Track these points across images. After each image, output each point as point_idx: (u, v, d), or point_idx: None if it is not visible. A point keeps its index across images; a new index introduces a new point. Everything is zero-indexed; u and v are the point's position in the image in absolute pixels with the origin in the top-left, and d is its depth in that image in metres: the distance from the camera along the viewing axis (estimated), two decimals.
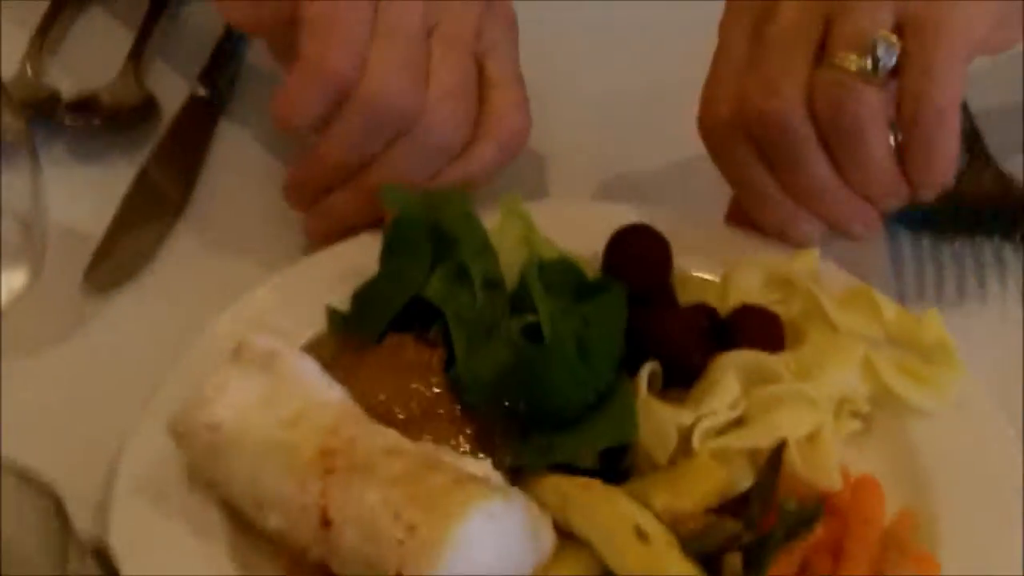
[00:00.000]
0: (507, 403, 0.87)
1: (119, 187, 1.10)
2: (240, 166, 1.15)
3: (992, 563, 0.85)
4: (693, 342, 0.90)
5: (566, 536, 0.82)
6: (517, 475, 0.84)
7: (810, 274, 0.97)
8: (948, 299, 1.05)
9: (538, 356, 0.86)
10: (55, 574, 0.76)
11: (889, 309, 0.95)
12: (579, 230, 0.97)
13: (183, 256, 1.08)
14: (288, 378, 0.83)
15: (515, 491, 0.80)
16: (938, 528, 0.86)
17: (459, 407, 0.88)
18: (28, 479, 0.76)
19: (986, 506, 0.87)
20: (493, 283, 0.93)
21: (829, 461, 0.87)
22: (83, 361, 1.00)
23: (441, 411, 0.87)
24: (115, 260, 1.06)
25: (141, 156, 1.13)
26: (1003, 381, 0.97)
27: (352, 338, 0.93)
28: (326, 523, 0.78)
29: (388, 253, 0.94)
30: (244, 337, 0.84)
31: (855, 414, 0.91)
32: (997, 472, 0.88)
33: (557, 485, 0.82)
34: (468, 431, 0.86)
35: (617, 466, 0.86)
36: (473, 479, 0.78)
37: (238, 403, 0.81)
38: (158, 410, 0.86)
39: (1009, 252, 1.08)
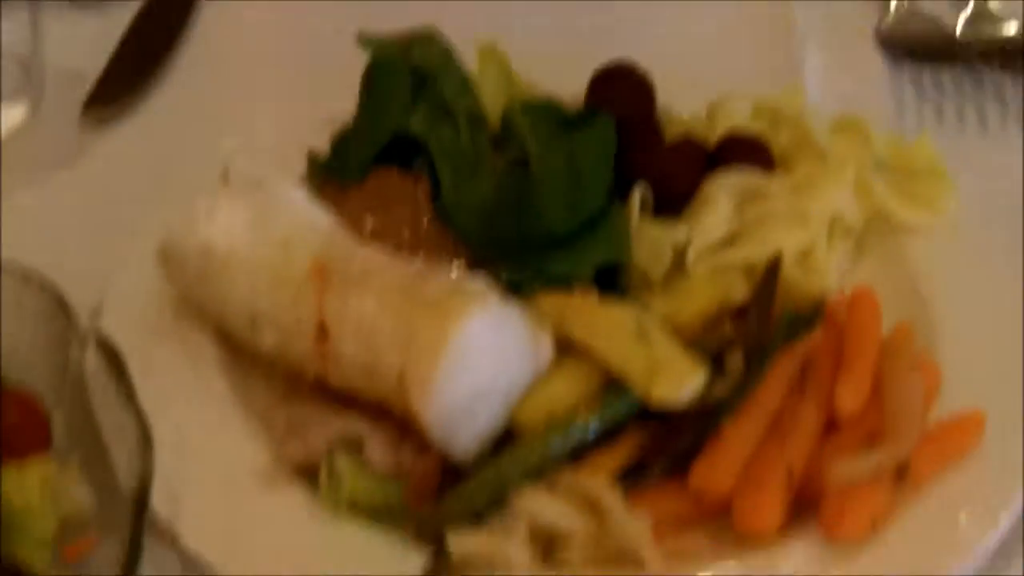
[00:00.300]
0: (497, 230, 0.84)
1: (117, 31, 1.13)
2: (236, 8, 1.16)
3: (992, 369, 0.84)
4: (682, 167, 0.90)
5: (564, 352, 0.80)
6: (513, 294, 0.81)
7: (798, 105, 0.96)
8: (948, 127, 1.04)
9: (528, 183, 0.85)
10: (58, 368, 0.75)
11: (879, 135, 0.94)
12: (558, 73, 0.96)
13: (177, 94, 1.11)
14: (277, 201, 0.81)
15: (513, 300, 0.78)
16: (936, 338, 0.84)
17: (449, 236, 0.85)
18: (30, 278, 0.75)
19: (983, 316, 0.86)
20: (476, 119, 0.92)
21: (824, 274, 0.86)
22: (81, 188, 1.02)
23: (431, 240, 0.85)
24: (112, 96, 1.09)
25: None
26: (1002, 206, 0.95)
27: (333, 181, 0.91)
28: (323, 335, 0.77)
29: (366, 95, 0.93)
30: (232, 162, 0.82)
31: (849, 232, 0.89)
32: (992, 284, 0.87)
33: (555, 299, 0.81)
34: (461, 258, 0.84)
35: (613, 288, 0.84)
36: (470, 288, 0.76)
37: (228, 226, 0.81)
38: (147, 243, 0.84)
39: (1008, 82, 1.07)
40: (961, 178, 0.94)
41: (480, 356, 0.75)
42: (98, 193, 1.00)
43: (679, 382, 0.76)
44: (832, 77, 1.09)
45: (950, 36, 1.13)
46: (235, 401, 0.82)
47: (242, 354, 0.82)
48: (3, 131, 1.04)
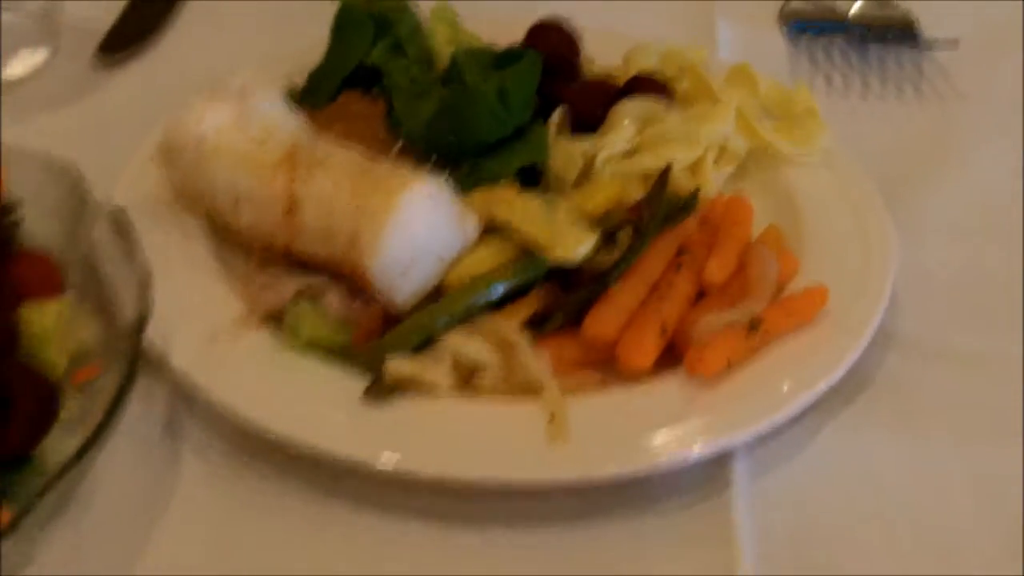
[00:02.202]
0: (439, 140, 1.03)
1: None
2: None
3: (843, 268, 1.02)
4: (595, 96, 1.09)
5: (488, 233, 0.99)
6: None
7: (702, 57, 1.16)
8: (835, 92, 1.29)
9: (463, 98, 1.04)
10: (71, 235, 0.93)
11: (764, 82, 1.14)
12: (501, 29, 1.15)
13: (186, 38, 1.32)
14: (256, 106, 1.00)
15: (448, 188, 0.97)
16: (802, 243, 1.03)
17: (399, 147, 1.05)
18: (52, 164, 0.94)
19: (843, 228, 1.05)
20: (425, 56, 1.11)
21: (707, 182, 1.05)
22: (93, 118, 1.21)
23: (385, 147, 1.04)
24: (123, 42, 1.29)
25: None
26: (870, 149, 1.17)
27: (307, 106, 1.10)
28: (292, 209, 0.96)
29: (336, 35, 1.12)
30: (219, 78, 1.01)
31: (733, 158, 1.09)
32: (855, 205, 1.06)
33: (484, 191, 1.00)
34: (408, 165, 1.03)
35: (534, 187, 1.03)
36: (412, 171, 0.96)
37: (216, 125, 0.99)
38: (146, 151, 1.04)
39: (891, 57, 1.30)
40: (836, 127, 1.13)
41: (418, 222, 0.93)
42: (109, 123, 1.18)
43: (575, 245, 0.95)
44: (738, 46, 1.29)
45: (843, 15, 1.33)
46: (219, 268, 0.99)
47: (226, 233, 1.00)
48: (24, 71, 1.24)
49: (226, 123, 0.98)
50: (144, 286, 0.89)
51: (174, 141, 0.99)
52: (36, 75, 1.26)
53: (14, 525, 0.78)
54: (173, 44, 1.31)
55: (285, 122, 1.00)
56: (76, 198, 0.97)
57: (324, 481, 0.90)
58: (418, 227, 0.93)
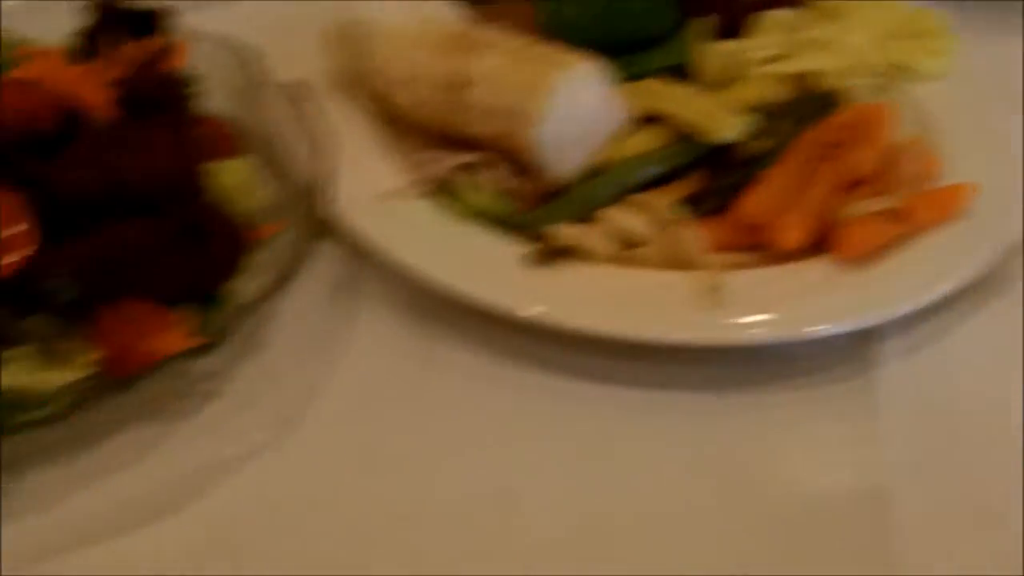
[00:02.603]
0: (588, 38, 1.08)
1: None
2: None
3: (990, 178, 1.04)
4: (739, 5, 1.14)
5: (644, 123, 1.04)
6: None
7: None
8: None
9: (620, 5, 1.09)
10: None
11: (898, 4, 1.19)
12: None
13: None
14: None
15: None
16: (944, 151, 1.07)
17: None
18: (227, 41, 1.00)
19: (984, 138, 1.08)
20: None
21: (849, 89, 1.09)
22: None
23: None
24: None
25: None
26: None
27: None
28: (461, 86, 1.01)
29: None
30: None
31: (872, 70, 1.13)
32: (996, 118, 1.10)
33: (638, 84, 1.05)
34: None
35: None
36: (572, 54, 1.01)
37: (385, 8, 1.04)
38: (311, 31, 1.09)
39: None
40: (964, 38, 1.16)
41: (578, 98, 0.98)
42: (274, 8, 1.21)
43: (730, 126, 0.99)
44: None
45: None
46: (382, 144, 1.04)
47: (388, 112, 1.05)
48: None
49: (397, 7, 1.02)
50: (322, 149, 0.93)
51: (347, 24, 1.04)
52: None
53: (206, 350, 0.84)
54: None
55: (451, 9, 1.04)
56: (251, 76, 1.01)
57: (491, 339, 0.94)
58: (578, 103, 0.98)
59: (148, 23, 0.98)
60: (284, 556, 0.81)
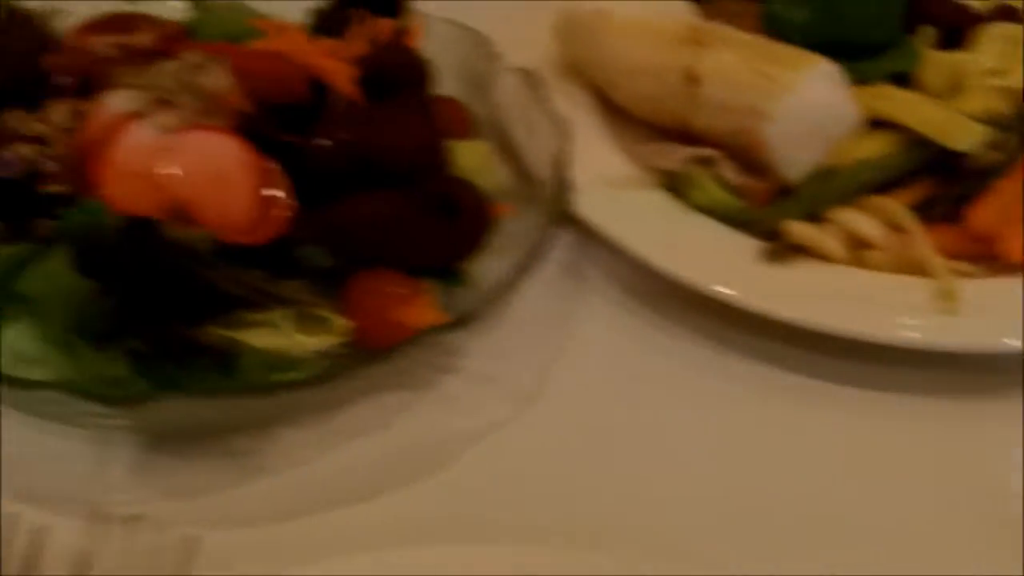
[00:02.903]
0: (815, 40, 1.08)
1: None
2: None
3: None
4: (961, 17, 1.14)
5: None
6: None
7: None
8: None
9: (843, 9, 1.09)
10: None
11: None
12: None
13: None
14: None
15: None
16: None
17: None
18: (463, 27, 1.02)
19: None
20: None
21: None
22: None
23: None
24: None
25: None
26: None
27: None
28: (693, 81, 1.01)
29: None
30: None
31: None
32: None
33: (865, 89, 1.05)
34: None
35: None
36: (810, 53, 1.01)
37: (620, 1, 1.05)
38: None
39: None
40: None
41: (815, 98, 0.99)
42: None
43: (966, 134, 0.99)
44: None
45: None
46: (607, 135, 1.05)
47: (613, 104, 1.06)
48: None
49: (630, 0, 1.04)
50: (563, 135, 0.94)
51: (575, 13, 1.05)
52: None
53: (457, 327, 0.85)
54: None
55: (681, 5, 1.05)
56: (482, 61, 1.03)
57: (713, 328, 0.95)
58: (815, 103, 0.98)
59: (390, 4, 0.99)
60: (521, 527, 0.83)
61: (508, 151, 0.99)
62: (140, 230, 0.79)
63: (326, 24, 1.02)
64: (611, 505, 0.84)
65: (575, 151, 0.97)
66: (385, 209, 0.87)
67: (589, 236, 0.97)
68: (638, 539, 0.82)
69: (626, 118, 1.06)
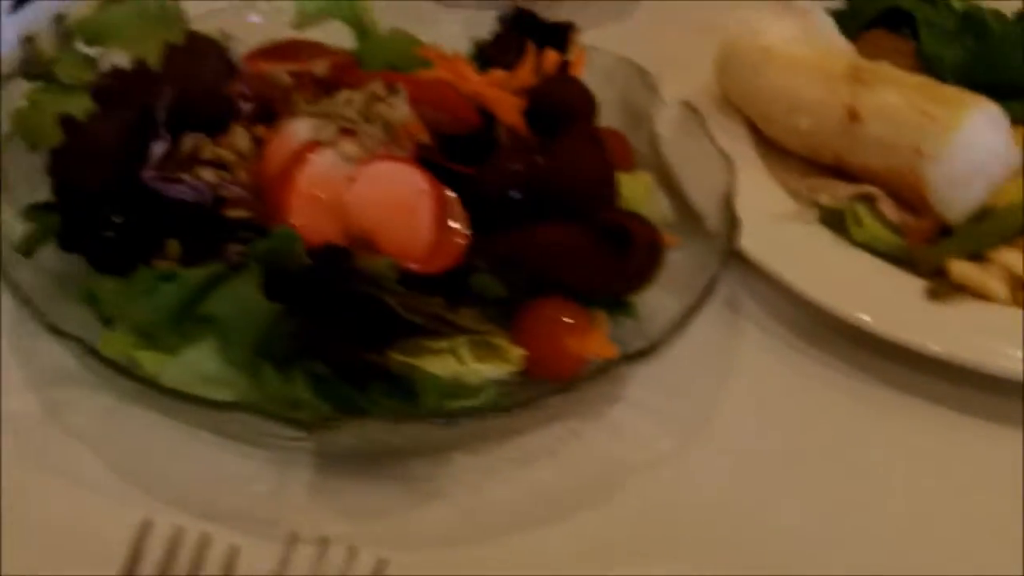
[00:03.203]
0: (969, 80, 1.09)
1: None
2: None
3: None
4: None
5: None
6: None
7: None
8: None
9: (997, 43, 1.10)
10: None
11: None
12: None
13: None
14: (818, 23, 1.08)
15: None
16: None
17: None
18: (622, 59, 1.03)
19: None
20: (948, 4, 1.18)
21: None
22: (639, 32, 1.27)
23: None
24: None
25: None
26: None
27: None
28: (853, 118, 1.03)
29: None
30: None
31: None
32: None
33: (1019, 130, 1.06)
34: None
35: None
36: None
37: (781, 36, 1.07)
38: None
39: None
40: None
41: (980, 139, 1.00)
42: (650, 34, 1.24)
43: None
44: None
45: None
46: (765, 168, 1.07)
47: (770, 138, 1.08)
48: None
49: (791, 35, 1.05)
50: (729, 170, 0.96)
51: (737, 48, 1.06)
52: None
53: (634, 360, 0.87)
54: None
55: (841, 41, 1.07)
56: (642, 93, 1.04)
57: (875, 363, 0.96)
58: (980, 144, 0.99)
59: (558, 36, 1.01)
60: (683, 556, 0.85)
61: (666, 183, 1.00)
62: (332, 257, 0.81)
63: (491, 54, 1.03)
64: (775, 534, 0.86)
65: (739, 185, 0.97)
66: (561, 240, 0.89)
67: (749, 269, 0.97)
68: (803, 568, 0.83)
69: (780, 152, 1.06)
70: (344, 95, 0.92)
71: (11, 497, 0.83)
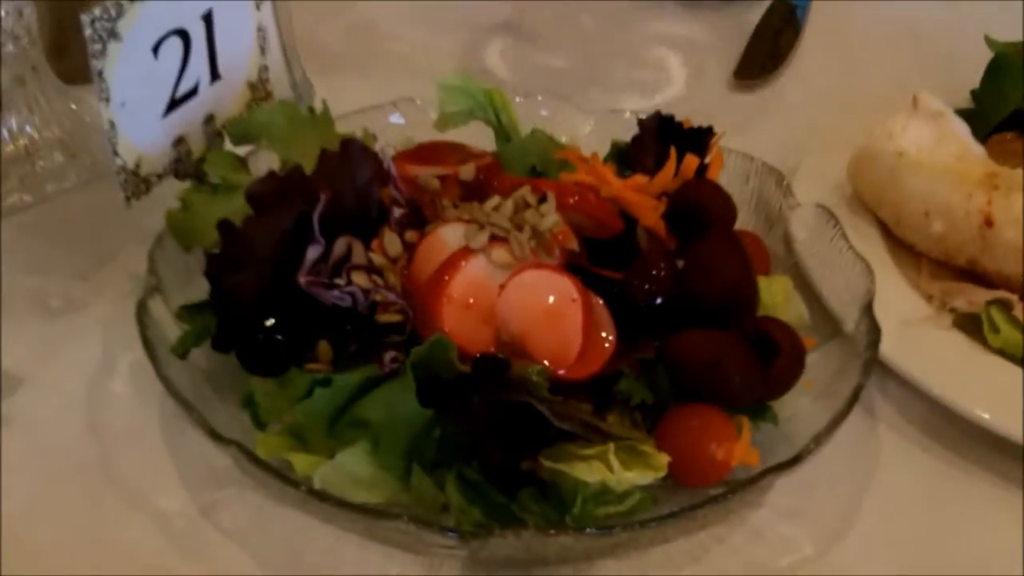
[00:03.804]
0: None
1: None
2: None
3: None
4: None
5: None
6: None
7: None
8: None
9: None
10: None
11: None
12: None
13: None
14: (951, 130, 1.09)
15: None
16: None
17: None
18: (753, 159, 1.07)
19: None
20: None
21: None
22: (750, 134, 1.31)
23: None
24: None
25: None
26: None
27: None
28: (988, 224, 1.04)
29: (989, 81, 1.21)
30: (919, 94, 1.10)
31: None
32: None
33: None
34: None
35: None
36: None
37: (917, 138, 1.08)
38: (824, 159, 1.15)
39: None
40: None
41: None
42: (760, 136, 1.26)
43: None
44: None
45: None
46: (897, 271, 1.08)
47: (900, 239, 1.09)
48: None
49: (927, 139, 1.07)
50: (867, 273, 0.97)
51: (872, 151, 1.08)
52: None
53: (784, 469, 0.89)
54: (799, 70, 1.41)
55: (975, 146, 1.08)
56: (776, 194, 1.06)
57: (1012, 469, 0.97)
58: None
59: (699, 141, 1.03)
60: None
61: (801, 285, 1.02)
62: (490, 367, 0.83)
63: (631, 157, 1.05)
64: None
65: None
66: (705, 345, 0.90)
67: (884, 372, 0.98)
68: None
69: (913, 255, 1.07)
70: (493, 201, 0.94)
71: None
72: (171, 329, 0.94)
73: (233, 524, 0.90)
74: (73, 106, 1.17)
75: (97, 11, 0.93)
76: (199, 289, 0.93)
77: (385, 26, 1.41)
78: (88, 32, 0.93)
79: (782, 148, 1.15)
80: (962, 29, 1.29)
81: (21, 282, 1.06)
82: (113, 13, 0.94)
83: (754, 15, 1.46)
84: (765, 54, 1.40)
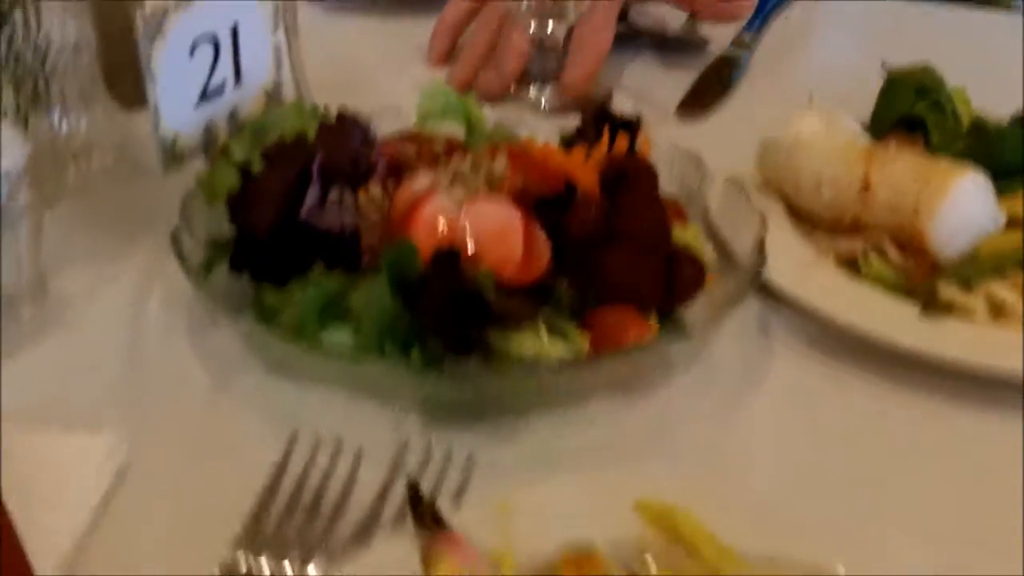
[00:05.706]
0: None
1: None
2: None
3: None
4: None
5: None
6: None
7: None
8: None
9: (989, 137, 1.37)
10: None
11: None
12: None
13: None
14: (839, 121, 1.36)
15: None
16: None
17: None
18: (678, 147, 1.31)
19: None
20: (955, 115, 1.45)
21: None
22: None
23: None
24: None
25: None
26: None
27: None
28: (866, 188, 1.30)
29: (885, 93, 1.47)
30: (813, 94, 1.37)
31: None
32: None
33: (1007, 199, 1.32)
34: None
35: None
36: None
37: (811, 128, 1.35)
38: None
39: None
40: None
41: (967, 199, 1.25)
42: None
43: None
44: None
45: None
46: (794, 229, 1.33)
47: (799, 209, 1.35)
48: None
49: (818, 128, 1.33)
50: (761, 225, 1.22)
51: (774, 138, 1.34)
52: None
53: (669, 340, 1.14)
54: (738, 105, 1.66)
55: (861, 135, 1.34)
56: (697, 174, 1.32)
57: (886, 372, 1.19)
58: (966, 203, 1.24)
59: (631, 126, 1.30)
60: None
61: (714, 242, 1.27)
62: (446, 259, 1.08)
63: (575, 140, 1.32)
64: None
65: (772, 241, 1.24)
66: (626, 258, 1.15)
67: (779, 303, 1.23)
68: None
69: (809, 223, 1.33)
70: (456, 159, 1.21)
71: None
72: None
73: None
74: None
75: (148, 10, 1.21)
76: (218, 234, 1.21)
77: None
78: (140, 27, 1.21)
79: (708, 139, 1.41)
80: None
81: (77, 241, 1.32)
82: (160, 15, 1.22)
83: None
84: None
